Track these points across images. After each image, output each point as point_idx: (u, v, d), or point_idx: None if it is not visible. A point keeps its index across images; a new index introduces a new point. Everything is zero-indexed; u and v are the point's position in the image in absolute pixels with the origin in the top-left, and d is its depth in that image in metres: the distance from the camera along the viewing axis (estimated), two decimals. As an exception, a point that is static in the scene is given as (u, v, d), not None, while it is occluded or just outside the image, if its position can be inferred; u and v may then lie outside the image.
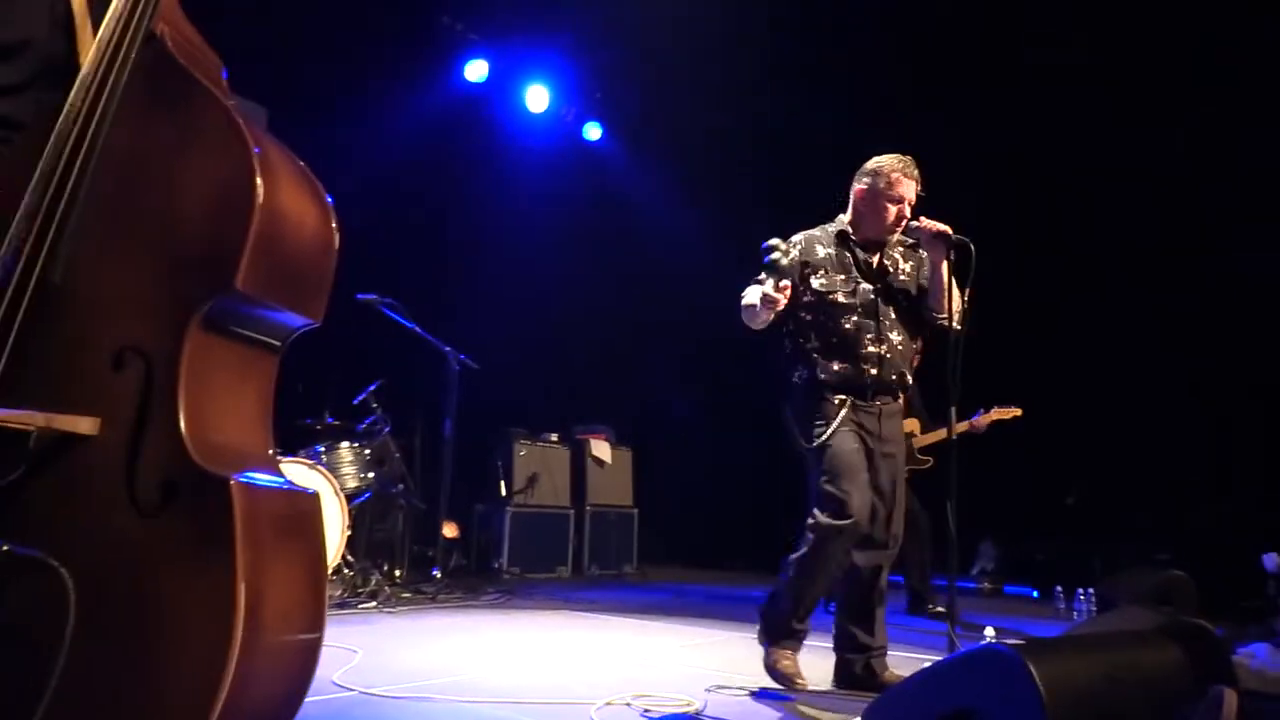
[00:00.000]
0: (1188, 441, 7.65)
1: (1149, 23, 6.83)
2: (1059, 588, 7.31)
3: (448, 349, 6.58)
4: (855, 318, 3.60)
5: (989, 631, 5.05)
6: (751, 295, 3.45)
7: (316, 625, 1.71)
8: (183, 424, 1.58)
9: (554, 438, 8.53)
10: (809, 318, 3.64)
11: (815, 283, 3.63)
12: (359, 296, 6.02)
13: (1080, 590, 6.74)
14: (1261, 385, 7.30)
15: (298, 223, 1.74)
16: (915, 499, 5.74)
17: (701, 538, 9.96)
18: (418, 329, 6.35)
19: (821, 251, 3.71)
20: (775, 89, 8.52)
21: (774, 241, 3.41)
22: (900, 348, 3.64)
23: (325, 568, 1.80)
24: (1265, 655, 3.63)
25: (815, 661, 3.85)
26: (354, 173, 7.16)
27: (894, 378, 3.62)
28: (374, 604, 5.48)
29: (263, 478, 1.67)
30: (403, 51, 8.23)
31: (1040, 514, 8.45)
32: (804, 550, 3.49)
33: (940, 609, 6.27)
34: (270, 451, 1.80)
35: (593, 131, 9.66)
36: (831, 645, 3.71)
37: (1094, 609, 6.42)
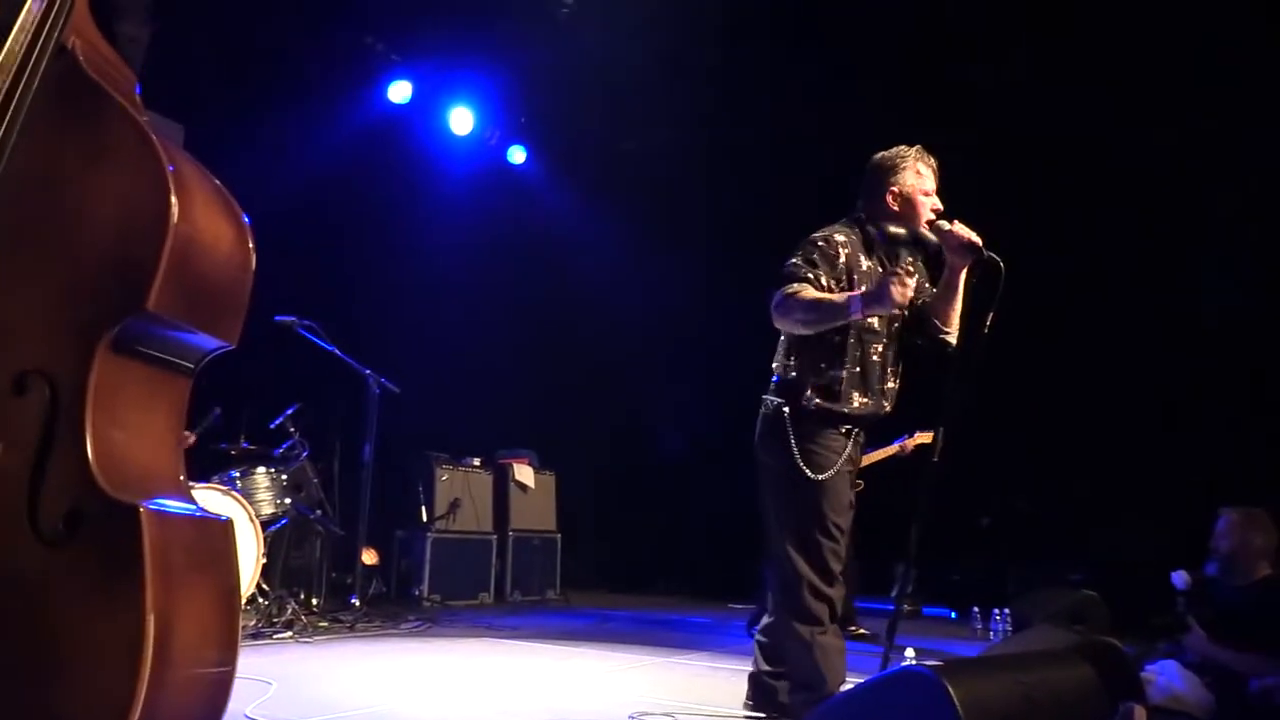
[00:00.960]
0: (1098, 460, 7.89)
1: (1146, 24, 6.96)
2: (976, 608, 7.46)
3: (367, 372, 6.48)
4: (881, 347, 3.24)
5: (909, 652, 5.14)
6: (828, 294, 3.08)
7: (229, 657, 1.67)
8: (90, 450, 1.53)
9: (476, 462, 8.44)
10: (840, 340, 3.16)
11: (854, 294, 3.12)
12: (277, 318, 5.90)
13: (996, 611, 6.89)
14: (1169, 403, 7.56)
15: (213, 243, 1.69)
16: None
17: (625, 562, 9.95)
18: (337, 351, 6.25)
19: (865, 262, 3.26)
20: (701, 113, 8.60)
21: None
22: (900, 382, 3.35)
23: (238, 598, 1.76)
24: (1172, 672, 3.75)
25: (723, 685, 3.86)
26: (273, 192, 7.03)
27: (889, 413, 3.35)
28: (290, 634, 5.34)
29: (174, 505, 1.63)
30: (324, 71, 8.12)
31: (956, 536, 8.62)
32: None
33: (863, 630, 6.35)
34: (181, 477, 1.75)
35: (517, 155, 9.65)
36: (752, 667, 3.51)
37: (1010, 629, 6.56)
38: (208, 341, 1.75)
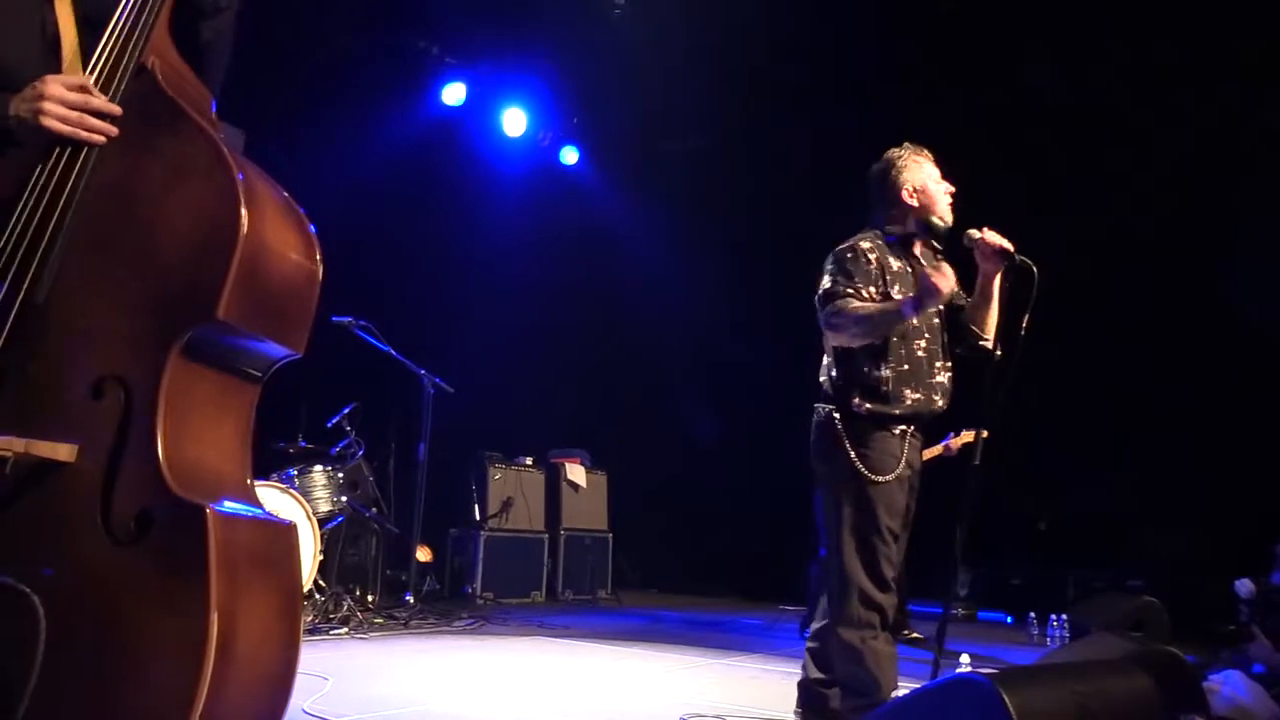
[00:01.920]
0: (1161, 467, 7.73)
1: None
2: (1032, 614, 7.34)
3: (422, 372, 6.55)
4: (924, 342, 3.23)
5: (964, 659, 5.07)
6: (871, 305, 3.08)
7: (290, 658, 1.70)
8: (160, 453, 1.57)
9: (529, 461, 8.50)
10: (879, 340, 3.16)
11: (897, 298, 3.15)
12: (334, 319, 5.99)
13: (1054, 616, 6.78)
14: (1238, 413, 7.39)
15: (281, 254, 1.74)
16: None
17: (677, 563, 9.94)
18: (392, 352, 6.33)
19: (895, 263, 3.26)
20: (754, 111, 8.58)
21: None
22: (952, 374, 3.33)
23: (300, 599, 1.79)
24: (1236, 682, 3.66)
25: (774, 688, 3.84)
26: (331, 195, 7.14)
27: (945, 409, 3.30)
28: (345, 630, 5.43)
29: (240, 508, 1.66)
30: (380, 75, 8.23)
31: (1013, 539, 8.50)
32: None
33: (917, 635, 6.29)
34: (248, 481, 1.79)
35: (569, 155, 9.69)
36: (801, 673, 3.44)
37: (1067, 635, 6.45)
38: (276, 350, 1.79)
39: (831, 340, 3.22)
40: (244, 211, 1.64)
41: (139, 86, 1.73)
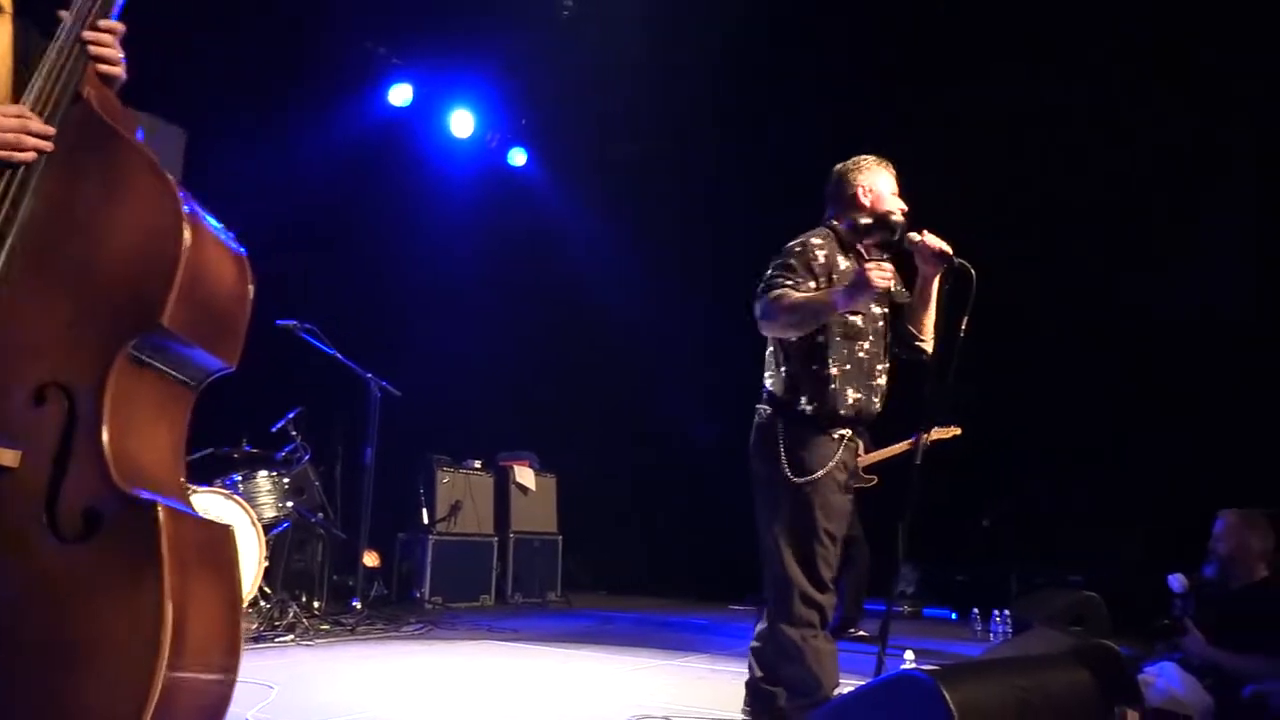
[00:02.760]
0: (1102, 464, 7.90)
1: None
2: (976, 610, 7.47)
3: (368, 375, 6.50)
4: (868, 344, 3.27)
5: (909, 655, 5.15)
6: (806, 294, 3.12)
7: (232, 660, 1.75)
8: (108, 452, 1.65)
9: (478, 464, 8.46)
10: (824, 340, 3.19)
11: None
12: (278, 322, 5.92)
13: (997, 612, 6.90)
14: (1172, 408, 7.56)
15: (218, 270, 1.87)
16: (859, 525, 5.79)
17: (626, 564, 9.96)
18: (338, 354, 6.27)
19: (844, 262, 3.30)
20: (703, 113, 8.62)
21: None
22: (889, 378, 3.38)
23: (241, 607, 1.86)
24: (1171, 675, 3.76)
25: (724, 688, 3.87)
26: (275, 196, 7.06)
27: (881, 411, 3.37)
28: (291, 637, 5.36)
29: (183, 507, 1.73)
30: (326, 75, 8.15)
31: (958, 537, 8.63)
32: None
33: (863, 633, 6.36)
34: (184, 487, 1.88)
35: (518, 157, 9.67)
36: (749, 672, 3.46)
37: (1010, 631, 6.57)
38: (212, 361, 1.90)
39: (764, 330, 3.25)
40: (186, 226, 1.76)
41: (77, 114, 1.85)
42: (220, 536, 1.80)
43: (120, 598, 1.56)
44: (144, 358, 1.77)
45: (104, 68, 1.90)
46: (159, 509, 1.59)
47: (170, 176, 1.80)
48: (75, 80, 1.85)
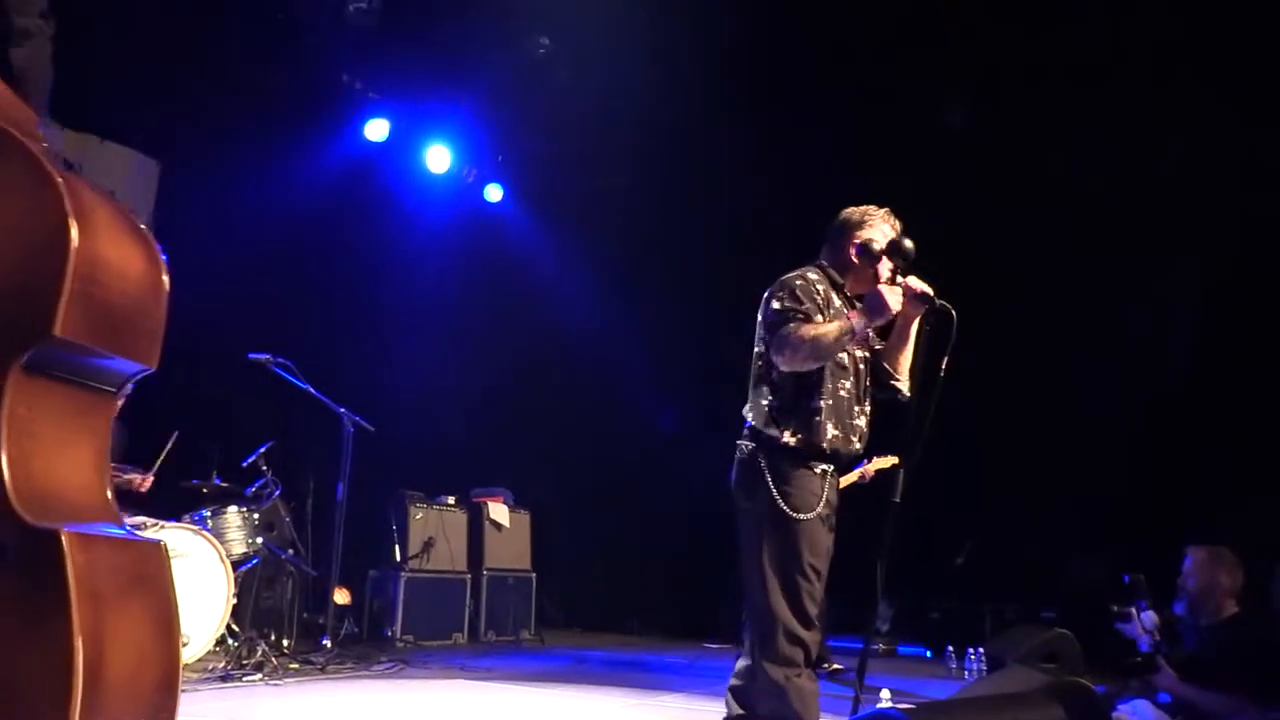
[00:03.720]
0: (1073, 500, 7.95)
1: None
2: (950, 647, 7.46)
3: (342, 410, 6.44)
4: (849, 383, 3.28)
5: (885, 694, 5.13)
6: (830, 326, 3.10)
7: (170, 675, 1.64)
8: (6, 479, 1.51)
9: (451, 501, 8.39)
10: (815, 374, 3.19)
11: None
12: (250, 356, 5.87)
13: (971, 649, 6.89)
14: (1149, 446, 7.63)
15: (120, 267, 1.69)
16: None
17: (600, 602, 9.89)
18: (310, 389, 6.21)
19: (837, 301, 3.32)
20: (680, 150, 8.68)
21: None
22: (869, 419, 3.39)
23: (176, 622, 1.71)
24: (1144, 712, 3.76)
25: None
26: (250, 230, 7.05)
27: (860, 453, 3.37)
28: (259, 676, 5.26)
29: (100, 528, 1.60)
30: (302, 108, 8.15)
31: (932, 574, 8.64)
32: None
33: (837, 666, 6.34)
34: (109, 498, 1.72)
35: (494, 193, 9.69)
36: (726, 710, 3.37)
37: (984, 668, 6.56)
38: (126, 366, 1.74)
39: (784, 365, 3.20)
40: (73, 223, 1.58)
41: None
42: (146, 555, 1.67)
43: (28, 633, 1.45)
44: (43, 370, 1.60)
45: None
46: (63, 537, 1.47)
47: (55, 171, 1.62)
48: None
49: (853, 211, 3.43)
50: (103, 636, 1.47)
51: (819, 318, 3.20)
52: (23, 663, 1.44)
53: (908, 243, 3.24)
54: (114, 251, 1.67)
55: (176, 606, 1.69)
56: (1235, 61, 6.75)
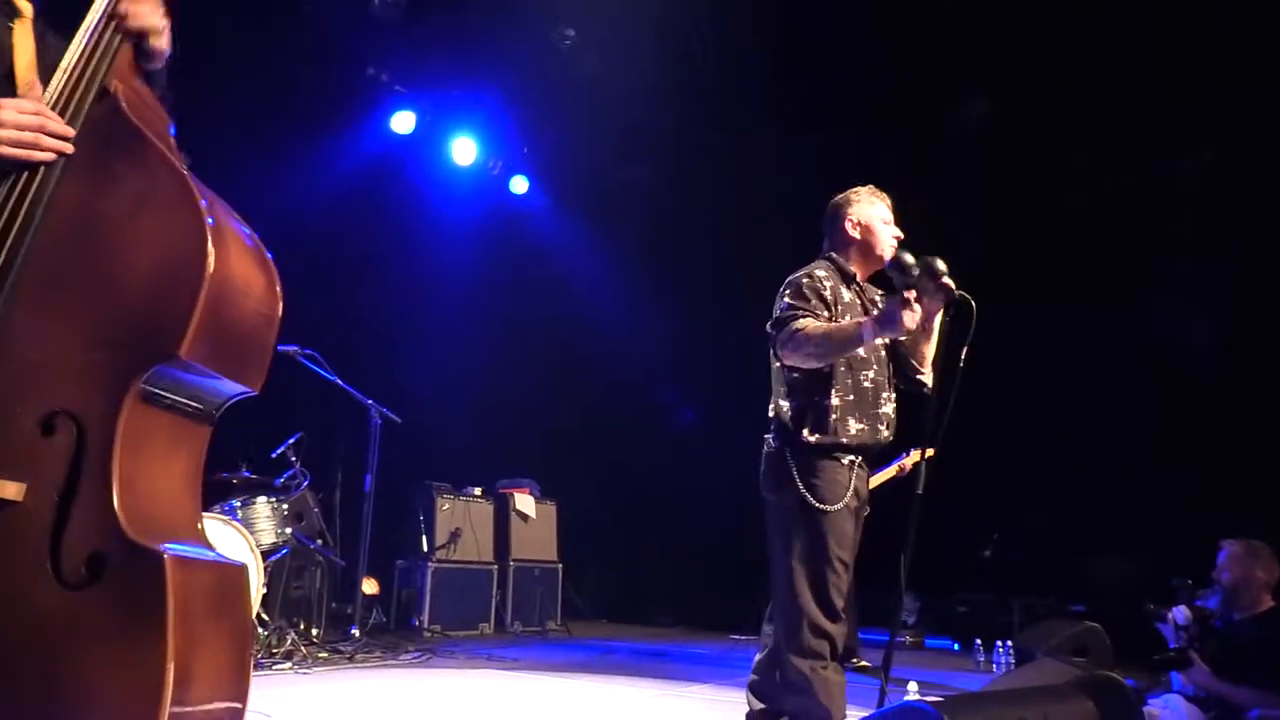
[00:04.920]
0: (1102, 493, 7.87)
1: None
2: (979, 640, 7.41)
3: (369, 402, 6.48)
4: (872, 373, 3.28)
5: (912, 686, 5.11)
6: (834, 325, 3.12)
7: (240, 699, 1.65)
8: (115, 493, 1.50)
9: (477, 492, 8.43)
10: (829, 370, 3.21)
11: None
12: (279, 348, 5.88)
13: (999, 642, 6.85)
14: (1180, 441, 7.54)
15: (244, 293, 1.68)
16: None
17: (627, 593, 9.90)
18: (339, 381, 6.25)
19: (846, 294, 3.36)
20: (706, 141, 8.64)
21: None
22: (896, 405, 3.39)
23: (251, 641, 1.73)
24: (1176, 707, 3.72)
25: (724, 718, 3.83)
26: (277, 224, 7.02)
27: (891, 440, 3.37)
28: (289, 665, 5.31)
29: (193, 550, 1.60)
30: (328, 101, 8.18)
31: (959, 566, 8.58)
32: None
33: (865, 662, 6.31)
34: (198, 523, 1.72)
35: (520, 185, 9.69)
36: (747, 707, 3.43)
37: (1012, 661, 6.52)
38: (232, 388, 1.74)
39: (788, 361, 3.22)
40: (211, 249, 1.58)
41: (101, 110, 1.67)
42: (233, 576, 1.67)
43: (122, 651, 1.43)
44: (159, 390, 1.61)
45: (151, 42, 1.72)
46: (166, 560, 1.46)
47: (197, 189, 1.62)
48: (103, 72, 1.67)
49: (839, 196, 3.46)
50: (191, 658, 1.47)
51: (825, 314, 3.20)
52: (113, 678, 1.43)
53: (908, 258, 3.14)
54: (241, 276, 1.66)
55: (251, 626, 1.72)
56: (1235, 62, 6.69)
